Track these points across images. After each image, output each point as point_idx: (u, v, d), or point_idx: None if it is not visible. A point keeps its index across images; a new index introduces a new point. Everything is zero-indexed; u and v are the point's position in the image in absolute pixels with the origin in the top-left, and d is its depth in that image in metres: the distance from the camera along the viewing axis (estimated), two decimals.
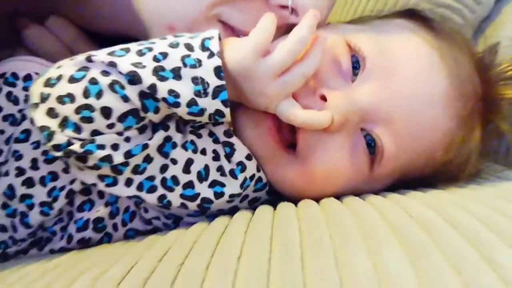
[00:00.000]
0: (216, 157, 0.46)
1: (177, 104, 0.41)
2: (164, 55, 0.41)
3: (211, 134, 0.46)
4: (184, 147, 0.44)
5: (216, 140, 0.46)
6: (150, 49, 0.42)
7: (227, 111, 0.42)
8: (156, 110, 0.42)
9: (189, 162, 0.44)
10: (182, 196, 0.44)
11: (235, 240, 0.34)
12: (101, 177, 0.43)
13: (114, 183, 0.43)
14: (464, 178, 0.50)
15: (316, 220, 0.35)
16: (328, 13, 0.52)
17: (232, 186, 0.45)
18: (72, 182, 0.47)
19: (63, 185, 0.47)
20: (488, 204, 0.37)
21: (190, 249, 0.34)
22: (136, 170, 0.43)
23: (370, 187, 0.48)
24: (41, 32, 0.56)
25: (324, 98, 0.44)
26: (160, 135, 0.43)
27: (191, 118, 0.42)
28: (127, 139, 0.41)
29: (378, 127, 0.45)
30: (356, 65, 0.47)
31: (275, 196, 0.50)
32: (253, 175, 0.47)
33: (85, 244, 0.48)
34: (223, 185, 0.45)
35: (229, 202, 0.46)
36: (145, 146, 0.42)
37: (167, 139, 0.43)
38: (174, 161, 0.44)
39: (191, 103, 0.41)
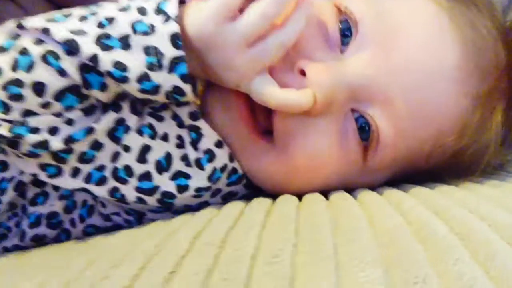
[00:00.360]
0: (181, 144, 0.39)
1: (124, 79, 0.34)
2: (111, 20, 0.34)
3: (175, 117, 0.39)
4: (139, 131, 0.37)
5: (181, 124, 0.39)
6: (94, 14, 0.35)
7: (187, 88, 0.35)
8: (103, 87, 0.35)
9: (145, 149, 0.37)
10: (138, 189, 0.38)
11: None
12: (43, 166, 0.37)
13: (58, 173, 0.37)
14: (481, 171, 0.42)
15: (284, 225, 0.28)
16: None
17: (198, 179, 0.39)
18: (22, 172, 0.41)
19: (12, 176, 0.41)
20: (507, 207, 0.29)
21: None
22: (83, 158, 0.36)
23: (364, 181, 0.41)
24: None
25: (303, 73, 0.37)
26: (109, 117, 0.36)
27: (144, 96, 0.35)
28: (69, 122, 0.35)
29: (372, 108, 0.37)
30: (347, 33, 0.39)
31: (254, 190, 0.43)
32: (225, 166, 0.40)
33: (40, 241, 0.43)
34: (188, 176, 0.38)
35: (196, 197, 0.39)
36: (90, 130, 0.35)
37: (119, 122, 0.37)
38: (126, 148, 0.37)
39: (143, 78, 0.34)
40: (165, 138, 0.38)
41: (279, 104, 0.36)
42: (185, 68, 0.34)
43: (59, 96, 0.34)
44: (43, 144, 0.34)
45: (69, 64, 0.33)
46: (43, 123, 0.34)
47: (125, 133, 0.37)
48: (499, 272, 0.22)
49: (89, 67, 0.33)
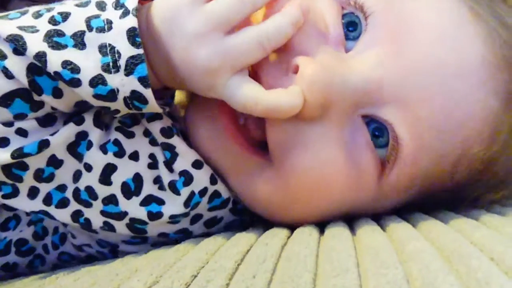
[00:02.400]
0: (153, 164, 0.34)
1: (76, 82, 0.29)
2: (65, 16, 0.30)
3: (147, 133, 0.34)
4: (103, 148, 0.33)
5: (154, 141, 0.34)
6: (49, 10, 0.30)
7: (148, 94, 0.29)
8: (57, 93, 0.30)
9: (109, 169, 0.32)
10: (103, 213, 0.33)
11: None
12: None
13: (14, 193, 0.32)
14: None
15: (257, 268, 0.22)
16: None
17: (173, 204, 0.33)
18: None
19: None
20: None
21: None
22: (40, 176, 0.32)
23: (380, 206, 0.34)
24: None
25: (297, 71, 0.31)
26: (69, 130, 0.32)
27: (100, 103, 0.30)
28: (22, 132, 0.30)
29: (387, 112, 0.31)
30: (352, 28, 0.33)
31: (245, 215, 0.37)
32: (205, 189, 0.34)
33: (11, 270, 0.39)
34: (161, 202, 0.33)
35: (172, 224, 0.34)
36: (44, 144, 0.31)
37: (81, 135, 0.32)
38: (87, 167, 0.32)
39: (97, 81, 0.29)
40: (134, 157, 0.33)
41: (265, 108, 0.30)
42: (145, 69, 0.29)
43: (6, 101, 0.29)
44: None
45: (16, 64, 0.29)
46: None
47: (87, 150, 0.32)
48: None
49: (40, 69, 0.29)
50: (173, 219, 0.34)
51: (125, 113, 0.32)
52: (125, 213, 0.33)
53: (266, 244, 0.27)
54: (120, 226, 0.34)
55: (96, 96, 0.29)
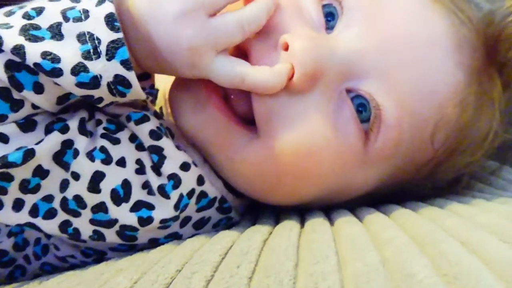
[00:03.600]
0: (140, 170, 0.34)
1: (58, 72, 0.29)
2: (39, 11, 0.30)
3: (133, 138, 0.35)
4: (90, 156, 0.32)
5: (140, 146, 0.34)
6: (22, 7, 0.31)
7: (131, 76, 0.30)
8: (37, 88, 0.30)
9: (97, 176, 0.32)
10: (93, 221, 0.33)
11: None
12: None
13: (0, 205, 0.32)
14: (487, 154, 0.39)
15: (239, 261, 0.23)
16: None
17: (163, 208, 0.33)
18: None
19: None
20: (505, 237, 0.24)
21: None
22: (26, 187, 0.31)
23: (364, 177, 0.36)
24: None
25: (287, 48, 0.33)
26: (54, 138, 0.31)
27: (84, 92, 0.30)
28: (2, 138, 0.30)
29: (369, 83, 0.33)
30: (330, 18, 0.35)
31: (227, 214, 0.38)
32: (193, 191, 0.35)
33: None
34: (151, 207, 0.33)
35: (162, 229, 0.34)
36: (30, 154, 0.30)
37: (67, 144, 0.32)
38: (75, 176, 0.32)
39: (78, 69, 0.29)
40: (121, 163, 0.33)
41: (250, 82, 0.31)
42: (126, 52, 0.29)
43: None
44: None
45: None
46: None
47: (73, 158, 0.32)
48: None
49: (18, 64, 0.29)
50: (164, 223, 0.34)
51: (108, 101, 0.32)
52: (115, 221, 0.33)
53: (249, 239, 0.28)
54: (110, 234, 0.33)
55: (79, 85, 0.29)
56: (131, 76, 0.30)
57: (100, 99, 0.31)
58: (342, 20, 0.35)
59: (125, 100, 0.32)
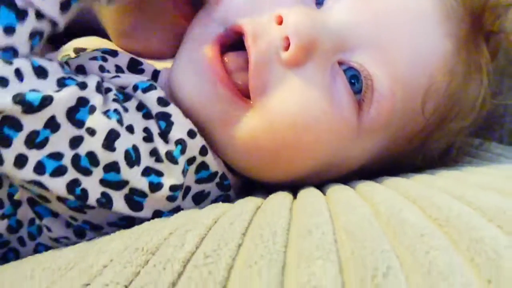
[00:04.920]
0: (148, 137, 0.34)
1: None
2: None
3: (140, 107, 0.35)
4: (106, 114, 0.32)
5: (147, 115, 0.35)
6: None
7: None
8: None
9: (113, 135, 0.32)
10: (103, 182, 0.32)
11: None
12: None
13: None
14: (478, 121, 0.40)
15: (230, 226, 0.23)
16: None
17: (172, 174, 0.33)
18: None
19: None
20: (497, 190, 0.24)
21: None
22: (33, 140, 0.30)
23: (360, 146, 0.36)
24: None
25: (281, 22, 0.33)
26: (72, 91, 0.31)
27: None
28: (19, 74, 0.29)
29: (361, 55, 0.34)
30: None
31: (227, 191, 0.38)
32: (193, 158, 0.35)
33: None
34: (160, 173, 0.33)
35: (170, 200, 0.34)
36: (48, 99, 0.29)
37: (82, 102, 0.31)
38: (91, 131, 0.31)
39: None
40: (130, 129, 0.33)
41: None
42: None
43: None
44: None
45: None
46: None
47: (90, 114, 0.31)
48: (485, 259, 0.17)
49: None
50: (173, 191, 0.33)
51: None
52: (126, 182, 0.32)
53: (242, 205, 0.28)
54: (118, 199, 0.32)
55: None
56: None
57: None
58: None
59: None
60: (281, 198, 0.29)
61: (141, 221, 0.34)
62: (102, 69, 0.37)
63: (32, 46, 0.31)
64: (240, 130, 0.34)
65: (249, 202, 0.29)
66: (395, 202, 0.24)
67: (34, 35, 0.30)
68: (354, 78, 0.34)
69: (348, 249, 0.18)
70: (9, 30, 0.29)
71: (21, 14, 0.29)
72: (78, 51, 0.42)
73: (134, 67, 0.38)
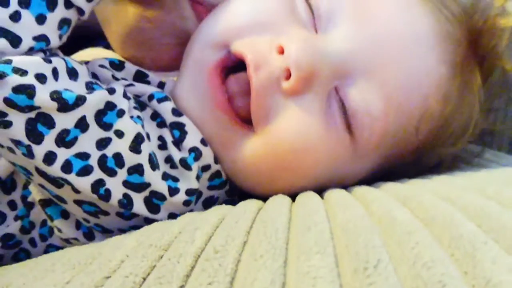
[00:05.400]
0: (163, 145, 0.36)
1: None
2: None
3: (154, 116, 0.37)
4: (132, 118, 0.34)
5: (161, 124, 0.37)
6: None
7: None
8: None
9: (140, 138, 0.33)
10: (126, 183, 0.33)
11: None
12: (14, 142, 0.30)
13: (28, 155, 0.31)
14: (467, 142, 0.41)
15: (235, 224, 0.25)
16: None
17: (186, 180, 0.35)
18: None
19: None
20: (481, 191, 0.26)
21: None
22: (63, 138, 0.31)
23: (356, 167, 0.38)
24: None
25: (282, 51, 0.35)
26: (102, 94, 0.32)
27: None
28: (55, 73, 0.30)
29: (357, 83, 0.35)
30: (315, 14, 0.37)
31: (235, 197, 0.40)
32: (208, 166, 0.37)
33: None
34: (176, 179, 0.35)
35: (186, 204, 0.36)
36: (82, 98, 0.31)
37: (110, 106, 0.33)
38: (119, 134, 0.32)
39: None
40: (148, 137, 0.35)
41: None
42: None
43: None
44: (28, 89, 0.29)
45: None
46: (30, 65, 0.29)
47: (118, 117, 0.33)
48: (464, 253, 0.19)
49: None
50: (189, 196, 0.35)
51: None
52: (148, 185, 0.33)
53: (244, 206, 0.30)
54: (138, 201, 0.34)
55: None
56: None
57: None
58: (326, 19, 0.36)
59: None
60: (281, 199, 0.31)
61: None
62: (114, 78, 0.38)
63: (60, 35, 0.33)
64: (241, 153, 0.36)
65: (251, 203, 0.31)
66: (386, 202, 0.26)
67: (63, 24, 0.33)
68: (347, 101, 0.35)
69: (343, 244, 0.21)
70: (41, 19, 0.31)
71: (52, 3, 0.31)
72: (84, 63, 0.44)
73: (141, 79, 0.40)
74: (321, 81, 0.35)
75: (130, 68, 0.40)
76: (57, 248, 0.40)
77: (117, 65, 0.39)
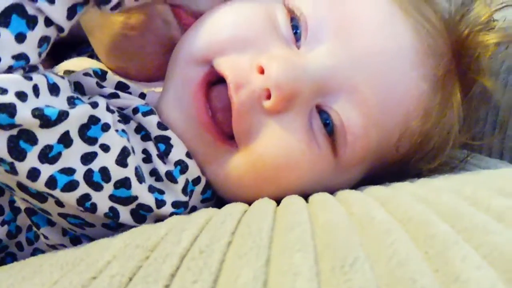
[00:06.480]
0: (148, 158, 0.36)
1: None
2: None
3: (139, 129, 0.37)
4: (118, 132, 0.34)
5: (145, 137, 0.37)
6: None
7: None
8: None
9: (126, 151, 0.34)
10: (112, 197, 0.33)
11: None
12: None
13: (13, 170, 0.30)
14: (446, 156, 0.41)
15: (220, 225, 0.26)
16: None
17: (172, 193, 0.36)
18: None
19: None
20: (457, 192, 0.27)
21: None
22: (46, 154, 0.31)
23: (341, 180, 0.39)
24: None
25: (262, 71, 0.35)
26: (85, 109, 0.32)
27: None
28: (36, 90, 0.30)
29: (337, 100, 0.36)
30: (298, 30, 0.38)
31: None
32: (198, 178, 0.37)
33: None
34: (161, 192, 0.36)
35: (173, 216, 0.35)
36: (64, 114, 0.31)
37: (93, 119, 0.33)
38: (105, 148, 0.33)
39: None
40: (133, 150, 0.35)
41: None
42: None
43: (6, 19, 0.30)
44: (9, 108, 0.29)
45: None
46: (11, 83, 0.29)
47: (104, 131, 0.33)
48: (436, 252, 0.20)
49: None
50: (176, 208, 0.36)
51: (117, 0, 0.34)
52: (135, 198, 0.34)
53: (231, 207, 0.31)
54: (125, 213, 0.34)
55: None
56: None
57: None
58: (308, 38, 0.37)
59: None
60: (266, 202, 0.32)
61: None
62: (99, 85, 0.39)
63: (40, 52, 0.33)
64: (224, 169, 0.37)
65: (237, 206, 0.32)
66: (367, 203, 0.27)
67: (43, 42, 0.32)
68: (329, 119, 0.36)
69: (324, 243, 0.22)
70: (21, 38, 0.31)
71: (32, 21, 0.31)
72: (68, 73, 0.43)
73: (121, 90, 0.40)
74: (302, 100, 0.35)
75: (112, 79, 0.40)
76: (44, 252, 0.41)
77: (99, 76, 0.39)
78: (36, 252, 0.41)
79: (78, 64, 0.48)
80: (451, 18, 0.44)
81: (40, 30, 0.32)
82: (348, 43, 0.36)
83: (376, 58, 0.36)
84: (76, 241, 0.39)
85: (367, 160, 0.39)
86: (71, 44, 0.55)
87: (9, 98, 0.29)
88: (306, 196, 0.37)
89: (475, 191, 0.27)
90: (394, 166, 0.41)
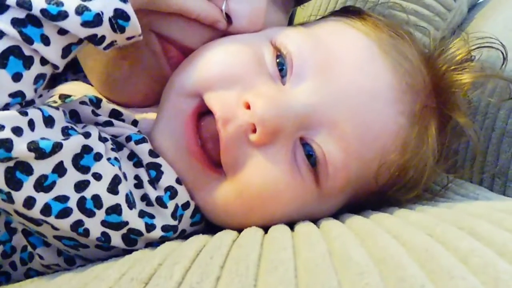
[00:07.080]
0: (139, 184, 0.38)
1: (63, 15, 0.32)
2: None
3: (131, 156, 0.39)
4: (110, 161, 0.36)
5: (138, 164, 0.39)
6: None
7: (129, 8, 0.34)
8: (46, 40, 0.33)
9: (117, 180, 0.36)
10: (104, 223, 0.35)
11: None
12: None
13: (10, 199, 0.32)
14: (425, 186, 0.44)
15: (210, 259, 0.28)
16: (264, 17, 0.46)
17: (162, 217, 0.38)
18: None
19: None
20: (429, 231, 0.30)
21: None
22: (41, 184, 0.33)
23: (323, 208, 0.41)
24: None
25: (248, 107, 0.37)
26: (78, 140, 0.34)
27: (88, 32, 0.34)
28: (31, 124, 0.32)
29: (319, 134, 0.38)
30: (282, 67, 0.40)
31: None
32: (187, 203, 0.39)
33: None
34: (152, 216, 0.38)
35: (162, 241, 0.37)
36: (58, 146, 0.33)
37: (86, 149, 0.35)
38: (97, 176, 0.35)
39: (81, 8, 0.33)
40: (125, 176, 0.37)
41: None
42: None
43: (3, 60, 0.31)
44: (6, 144, 0.31)
45: (1, 22, 0.31)
46: (7, 119, 0.31)
47: (96, 161, 0.35)
48: None
49: (23, 20, 0.32)
50: (166, 232, 0.38)
51: (110, 40, 0.36)
52: (126, 223, 0.36)
53: (220, 238, 0.33)
54: (116, 237, 0.36)
55: (84, 24, 0.33)
56: (128, 8, 0.34)
57: (102, 38, 0.35)
58: (293, 74, 0.39)
59: (125, 36, 0.36)
60: (254, 233, 0.34)
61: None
62: (94, 113, 0.41)
63: (36, 88, 0.34)
64: (212, 196, 0.39)
65: (226, 236, 0.34)
66: (347, 240, 0.29)
67: (39, 79, 0.34)
68: (312, 151, 0.39)
69: (305, 283, 0.24)
70: (17, 77, 0.32)
71: (28, 61, 0.33)
72: (63, 97, 0.45)
73: (115, 117, 0.42)
74: (285, 134, 0.38)
75: (106, 107, 0.42)
76: (37, 272, 0.42)
77: (94, 104, 0.41)
78: (29, 271, 0.42)
79: (74, 88, 0.51)
80: (430, 53, 0.47)
81: (36, 69, 0.33)
82: (330, 82, 0.39)
83: (355, 97, 0.39)
84: (70, 261, 0.40)
85: (348, 190, 0.41)
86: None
87: (6, 134, 0.31)
88: (292, 223, 0.39)
89: (446, 231, 0.29)
90: (374, 196, 0.44)
